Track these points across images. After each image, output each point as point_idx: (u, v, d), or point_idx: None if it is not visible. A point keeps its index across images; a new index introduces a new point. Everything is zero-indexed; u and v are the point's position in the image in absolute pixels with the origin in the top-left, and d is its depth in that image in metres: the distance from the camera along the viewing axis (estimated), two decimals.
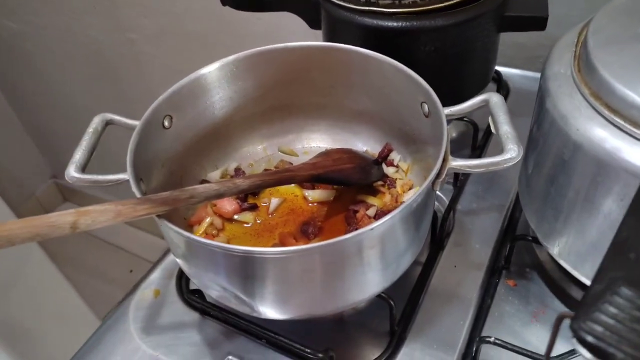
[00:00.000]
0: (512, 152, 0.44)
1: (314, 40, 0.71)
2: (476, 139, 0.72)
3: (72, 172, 0.49)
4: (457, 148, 0.74)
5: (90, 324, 0.62)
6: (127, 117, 0.54)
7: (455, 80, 0.65)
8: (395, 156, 0.62)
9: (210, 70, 0.57)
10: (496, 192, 0.66)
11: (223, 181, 0.48)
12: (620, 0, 0.48)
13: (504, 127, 0.46)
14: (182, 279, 0.61)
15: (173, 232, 0.42)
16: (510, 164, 0.45)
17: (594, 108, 0.42)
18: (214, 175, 0.63)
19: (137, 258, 1.96)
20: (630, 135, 0.40)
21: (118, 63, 1.49)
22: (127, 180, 0.47)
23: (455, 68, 0.64)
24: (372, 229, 0.40)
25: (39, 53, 1.63)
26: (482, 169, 0.45)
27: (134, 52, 1.43)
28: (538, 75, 0.84)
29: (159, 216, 0.43)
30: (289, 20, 0.72)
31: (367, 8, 0.60)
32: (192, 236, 0.42)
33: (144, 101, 0.53)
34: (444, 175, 0.45)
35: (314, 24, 0.71)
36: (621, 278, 0.23)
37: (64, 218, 0.37)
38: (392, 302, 0.52)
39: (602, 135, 0.41)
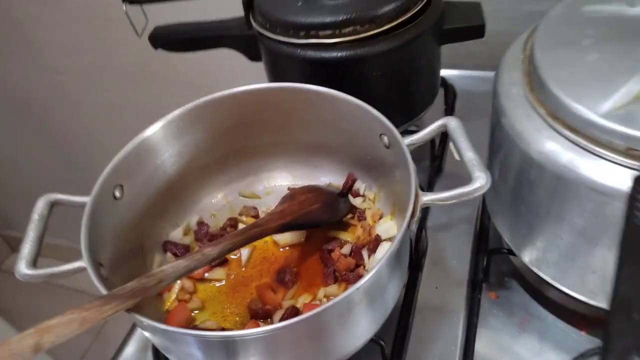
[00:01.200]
0: (480, 180, 0.44)
1: (252, 64, 0.69)
2: (434, 149, 0.72)
3: (23, 269, 0.45)
4: (416, 159, 0.74)
5: None
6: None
7: (406, 99, 0.65)
8: (360, 185, 0.61)
9: (154, 131, 0.54)
10: (463, 202, 0.66)
11: (191, 254, 0.45)
12: (557, 12, 0.49)
13: (468, 154, 0.46)
14: (159, 354, 0.57)
15: (149, 325, 0.39)
16: (481, 192, 0.44)
17: (552, 127, 0.42)
18: (176, 234, 0.60)
19: None
20: (590, 152, 0.40)
21: (47, 106, 1.40)
22: (85, 269, 0.43)
23: (404, 87, 0.63)
24: (358, 288, 0.39)
25: None
26: (453, 201, 0.45)
27: (64, 94, 1.35)
28: (478, 73, 0.88)
29: (128, 310, 0.40)
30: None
31: (307, 41, 0.58)
32: (171, 328, 0.39)
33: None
34: (418, 214, 0.44)
35: (253, 57, 0.68)
36: (632, 346, 0.23)
37: (24, 342, 0.33)
38: (382, 343, 0.51)
39: (562, 153, 0.41)
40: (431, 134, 0.50)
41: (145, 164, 0.54)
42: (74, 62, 1.23)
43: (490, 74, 0.84)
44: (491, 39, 0.69)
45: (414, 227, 0.45)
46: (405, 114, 0.66)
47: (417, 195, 0.44)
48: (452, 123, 0.49)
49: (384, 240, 0.56)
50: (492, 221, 0.57)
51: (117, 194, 0.51)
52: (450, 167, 0.71)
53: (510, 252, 0.56)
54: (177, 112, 0.55)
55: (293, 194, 0.58)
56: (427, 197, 0.45)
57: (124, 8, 0.62)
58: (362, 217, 0.59)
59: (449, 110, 0.77)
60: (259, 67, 0.75)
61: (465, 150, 0.46)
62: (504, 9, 0.82)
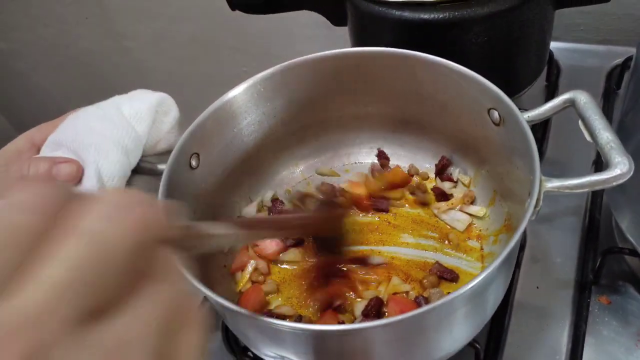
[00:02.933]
0: (622, 167, 0.37)
1: (330, 32, 0.63)
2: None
3: None
4: None
5: None
6: None
7: (511, 71, 0.57)
8: (453, 170, 0.55)
9: (236, 94, 0.49)
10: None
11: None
12: None
13: (604, 135, 0.38)
14: (228, 333, 0.54)
15: (238, 314, 0.35)
16: (621, 181, 0.37)
17: None
18: (250, 209, 0.56)
19: None
20: None
21: (115, 73, 1.40)
22: None
23: (511, 57, 0.56)
24: (471, 287, 0.33)
25: (32, 70, 1.55)
26: (585, 189, 0.38)
27: (132, 61, 1.34)
28: (583, 46, 0.78)
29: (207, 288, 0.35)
30: (298, 13, 0.63)
31: (405, 0, 0.51)
32: (260, 317, 0.34)
33: None
34: (541, 203, 0.37)
35: (338, 21, 0.62)
36: None
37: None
38: (478, 346, 0.45)
39: None
40: (554, 109, 0.43)
41: (223, 132, 0.50)
42: (143, 28, 1.22)
43: (597, 47, 0.76)
44: (594, 9, 0.60)
45: (534, 217, 0.38)
46: (507, 89, 0.58)
47: (540, 181, 0.37)
48: (583, 98, 0.41)
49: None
50: (614, 215, 0.49)
51: (194, 163, 0.47)
52: (553, 152, 0.63)
53: (632, 252, 0.48)
54: (259, 75, 0.50)
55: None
56: (552, 184, 0.38)
57: None
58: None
59: (552, 88, 0.68)
60: (335, 36, 0.69)
61: (601, 130, 0.39)
62: None
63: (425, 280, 0.48)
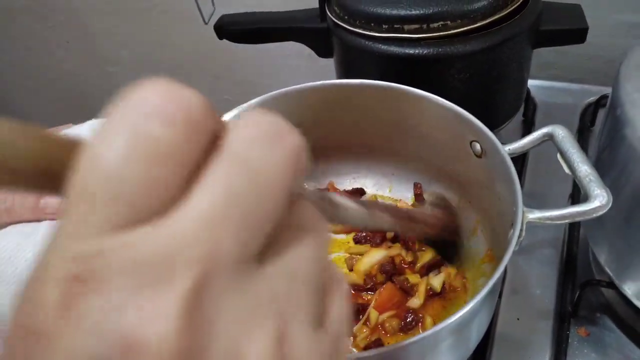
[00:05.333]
0: (601, 199, 0.38)
1: (313, 63, 0.65)
2: None
3: None
4: None
5: None
6: None
7: (491, 106, 0.59)
8: (429, 198, 0.55)
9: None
10: (546, 224, 0.60)
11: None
12: None
13: (582, 168, 0.40)
14: None
15: None
16: (600, 213, 0.38)
17: None
18: None
19: None
20: None
21: (97, 97, 1.40)
22: None
23: (491, 93, 0.57)
24: (457, 318, 0.33)
25: (12, 93, 1.53)
26: (566, 221, 0.39)
27: (114, 85, 1.33)
28: (555, 84, 0.81)
29: None
30: (282, 43, 0.64)
31: (390, 35, 0.53)
32: None
33: None
34: (524, 234, 0.38)
35: (323, 53, 0.64)
36: None
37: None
38: None
39: None
40: (534, 142, 0.44)
41: None
42: (127, 54, 1.22)
43: (571, 85, 0.79)
44: (568, 50, 0.63)
45: (517, 248, 0.39)
46: (487, 124, 0.60)
47: (523, 212, 0.38)
48: (561, 132, 0.43)
49: None
50: (591, 248, 0.50)
51: None
52: (531, 185, 0.64)
53: (610, 284, 0.49)
54: (245, 105, 0.51)
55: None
56: (534, 215, 0.39)
57: None
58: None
59: (529, 123, 0.71)
60: (319, 67, 0.70)
61: (579, 163, 0.40)
62: (586, 17, 0.76)
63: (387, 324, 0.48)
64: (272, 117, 0.15)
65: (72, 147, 0.14)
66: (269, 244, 0.14)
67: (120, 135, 0.13)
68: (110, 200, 0.13)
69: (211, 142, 0.14)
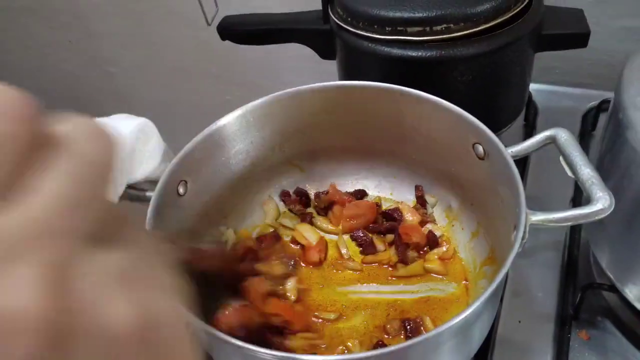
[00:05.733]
0: (603, 202, 0.38)
1: (315, 64, 0.65)
2: None
3: None
4: None
5: None
6: None
7: (493, 109, 0.59)
8: (431, 200, 0.56)
9: (226, 122, 0.50)
10: (548, 227, 0.60)
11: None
12: None
13: (585, 171, 0.40)
14: None
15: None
16: (602, 215, 0.38)
17: None
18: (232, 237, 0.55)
19: None
20: None
21: (98, 98, 1.40)
22: None
23: (493, 96, 0.58)
24: (460, 319, 0.33)
25: None
26: (569, 223, 0.39)
27: (115, 86, 1.34)
28: (558, 88, 0.81)
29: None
30: (284, 44, 0.65)
31: (393, 37, 0.53)
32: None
33: None
34: (527, 236, 0.38)
35: (326, 55, 0.64)
36: None
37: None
38: None
39: None
40: (536, 145, 0.44)
41: (211, 159, 0.50)
42: (128, 55, 1.22)
43: (573, 90, 0.79)
44: (570, 54, 0.64)
45: (521, 249, 0.39)
46: (489, 126, 0.60)
47: (526, 215, 0.38)
48: (563, 135, 0.43)
49: None
50: (592, 251, 0.50)
51: (181, 190, 0.47)
52: (533, 187, 0.64)
53: (611, 288, 0.49)
54: (249, 105, 0.51)
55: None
56: (537, 217, 0.39)
57: None
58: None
59: (530, 127, 0.71)
60: (320, 68, 0.71)
61: (582, 166, 0.40)
62: (588, 22, 0.76)
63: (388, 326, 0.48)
64: (90, 119, 0.17)
65: None
66: (110, 231, 0.16)
67: None
68: None
69: (43, 138, 0.16)
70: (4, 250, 0.13)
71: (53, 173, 0.15)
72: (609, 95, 0.49)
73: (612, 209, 0.38)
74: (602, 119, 0.69)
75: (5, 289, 0.13)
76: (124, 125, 0.50)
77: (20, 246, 0.13)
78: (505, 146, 0.46)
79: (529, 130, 0.71)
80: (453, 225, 0.55)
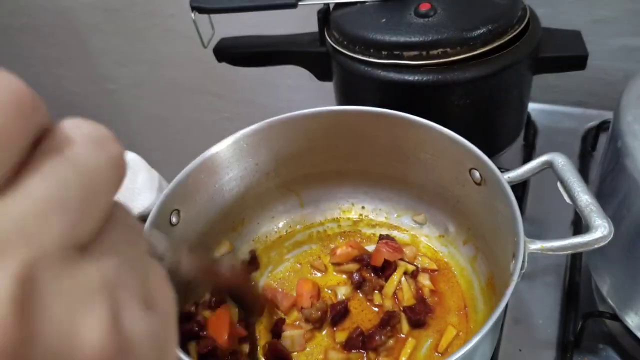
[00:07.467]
0: (602, 230, 0.37)
1: (313, 83, 0.64)
2: None
3: None
4: None
5: None
6: None
7: (491, 132, 0.58)
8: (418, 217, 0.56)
9: (219, 150, 0.49)
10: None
11: None
12: None
13: (583, 198, 0.39)
14: None
15: None
16: (602, 243, 0.37)
17: None
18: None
19: None
20: None
21: (96, 115, 1.39)
22: None
23: (491, 119, 0.57)
24: (462, 354, 0.32)
25: None
26: (568, 251, 0.38)
27: (113, 103, 1.34)
28: (556, 108, 0.81)
29: None
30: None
31: (389, 61, 0.53)
32: None
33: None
34: (526, 265, 0.37)
35: (323, 77, 0.63)
36: None
37: None
38: None
39: None
40: (533, 171, 0.44)
41: (205, 187, 0.49)
42: (126, 72, 1.22)
43: (573, 109, 0.79)
44: (569, 73, 0.63)
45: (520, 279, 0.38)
46: (487, 149, 0.59)
47: (524, 243, 0.38)
48: (560, 160, 0.42)
49: None
50: (593, 278, 0.49)
51: (174, 219, 0.46)
52: (533, 211, 0.63)
53: (613, 316, 0.48)
54: (242, 131, 0.50)
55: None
56: (535, 245, 0.38)
57: (193, 17, 0.58)
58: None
59: (529, 148, 0.70)
60: (317, 87, 0.70)
61: (580, 192, 0.40)
62: (587, 41, 0.76)
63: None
64: (98, 125, 0.17)
65: None
66: (97, 234, 0.15)
67: None
68: None
69: (40, 135, 0.15)
70: None
71: (44, 175, 0.14)
72: (609, 115, 0.49)
73: (611, 237, 0.37)
74: (603, 138, 0.69)
75: None
76: None
77: None
78: (503, 169, 0.45)
79: (529, 151, 0.70)
80: (450, 251, 0.54)
